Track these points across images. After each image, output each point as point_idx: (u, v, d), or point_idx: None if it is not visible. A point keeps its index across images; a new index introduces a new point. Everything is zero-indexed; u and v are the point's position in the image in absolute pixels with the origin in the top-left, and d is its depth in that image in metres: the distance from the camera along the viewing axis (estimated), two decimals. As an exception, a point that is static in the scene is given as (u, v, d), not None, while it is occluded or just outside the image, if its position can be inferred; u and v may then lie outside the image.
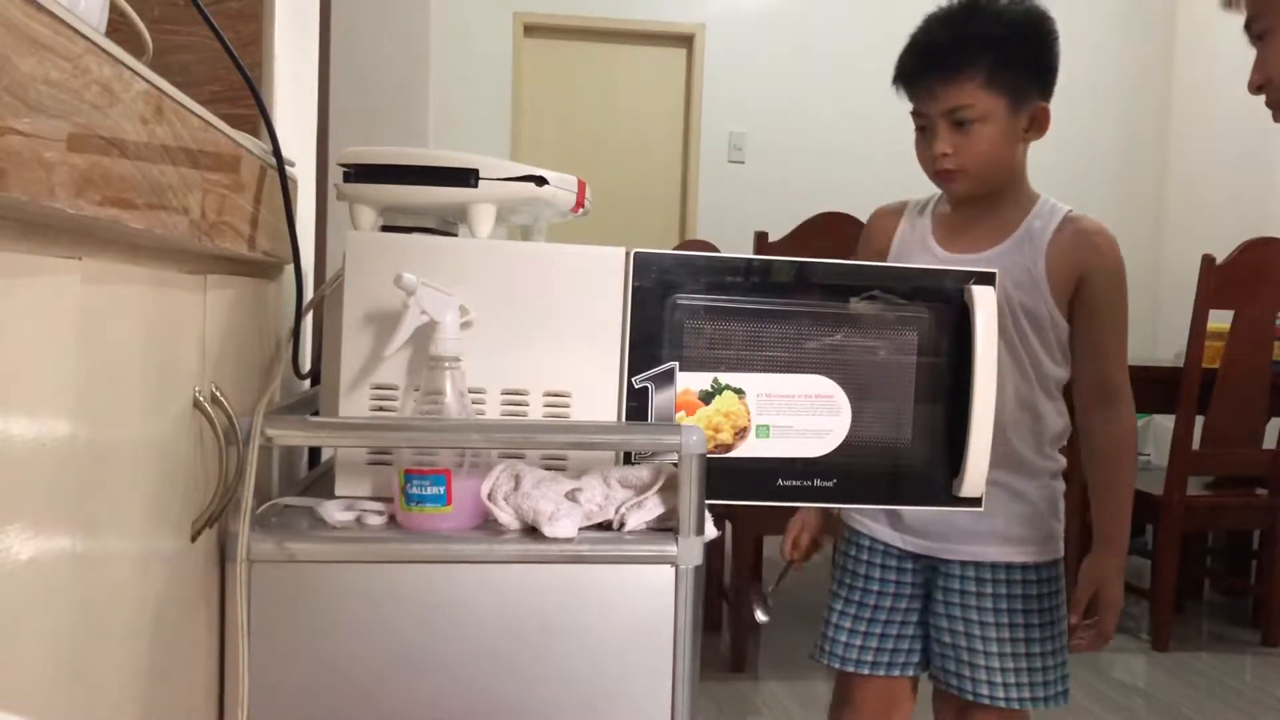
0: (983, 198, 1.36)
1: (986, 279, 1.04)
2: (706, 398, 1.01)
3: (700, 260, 1.01)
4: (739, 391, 1.01)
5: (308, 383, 1.25)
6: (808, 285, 1.02)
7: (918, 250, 1.40)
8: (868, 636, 1.45)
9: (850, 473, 1.04)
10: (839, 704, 1.51)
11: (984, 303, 1.03)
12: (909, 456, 1.05)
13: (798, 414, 1.02)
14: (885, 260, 1.43)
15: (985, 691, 1.38)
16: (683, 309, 1.00)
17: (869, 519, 1.46)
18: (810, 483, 1.03)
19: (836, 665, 1.46)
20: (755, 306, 1.01)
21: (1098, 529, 1.38)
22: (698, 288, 1.00)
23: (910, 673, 1.46)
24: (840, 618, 1.47)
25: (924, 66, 1.32)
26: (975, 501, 1.06)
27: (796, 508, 1.51)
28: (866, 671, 1.45)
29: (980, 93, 1.29)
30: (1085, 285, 1.32)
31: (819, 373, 1.02)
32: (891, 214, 1.47)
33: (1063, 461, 1.40)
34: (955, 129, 1.30)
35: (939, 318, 1.04)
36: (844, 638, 1.46)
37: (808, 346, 1.02)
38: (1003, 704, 1.38)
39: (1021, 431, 1.35)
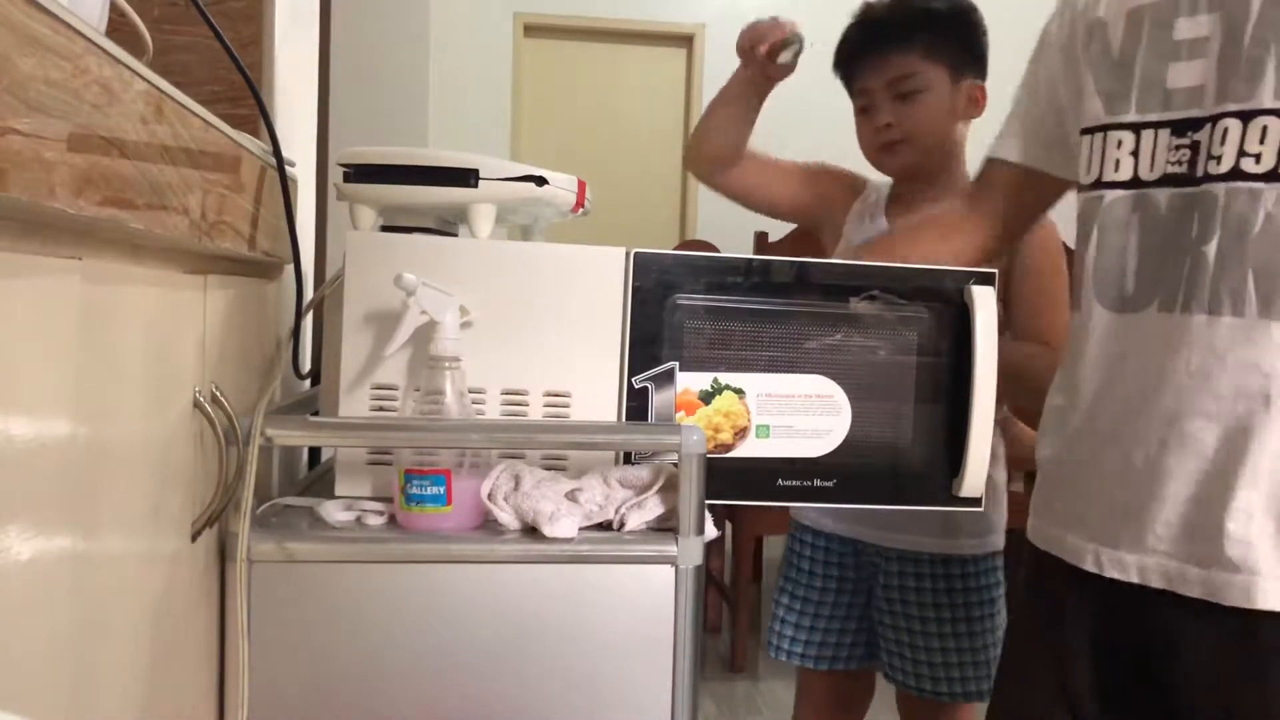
0: (920, 179, 1.38)
1: (986, 279, 1.04)
2: (706, 398, 1.01)
3: (700, 260, 1.01)
4: (739, 391, 1.01)
5: (308, 383, 1.25)
6: (807, 285, 1.02)
7: (866, 226, 1.44)
8: (812, 631, 1.47)
9: (850, 473, 1.04)
10: (798, 698, 1.55)
11: (984, 302, 1.03)
12: (909, 456, 1.05)
13: (798, 414, 1.02)
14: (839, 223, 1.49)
15: (929, 687, 1.39)
16: (683, 309, 1.00)
17: (814, 512, 1.47)
18: (810, 483, 1.03)
19: (784, 659, 1.49)
20: (755, 307, 1.01)
21: None
22: (698, 288, 1.00)
23: (855, 666, 1.47)
24: (786, 612, 1.49)
25: (867, 39, 1.37)
26: (975, 501, 1.06)
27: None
28: (811, 665, 1.47)
29: (922, 62, 1.34)
30: (1013, 263, 1.33)
31: (819, 373, 1.02)
32: (845, 189, 1.53)
33: (1000, 453, 1.40)
34: (898, 101, 1.35)
35: (939, 317, 1.04)
36: (790, 632, 1.48)
37: (808, 346, 1.02)
38: (947, 698, 1.39)
39: None
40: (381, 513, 0.92)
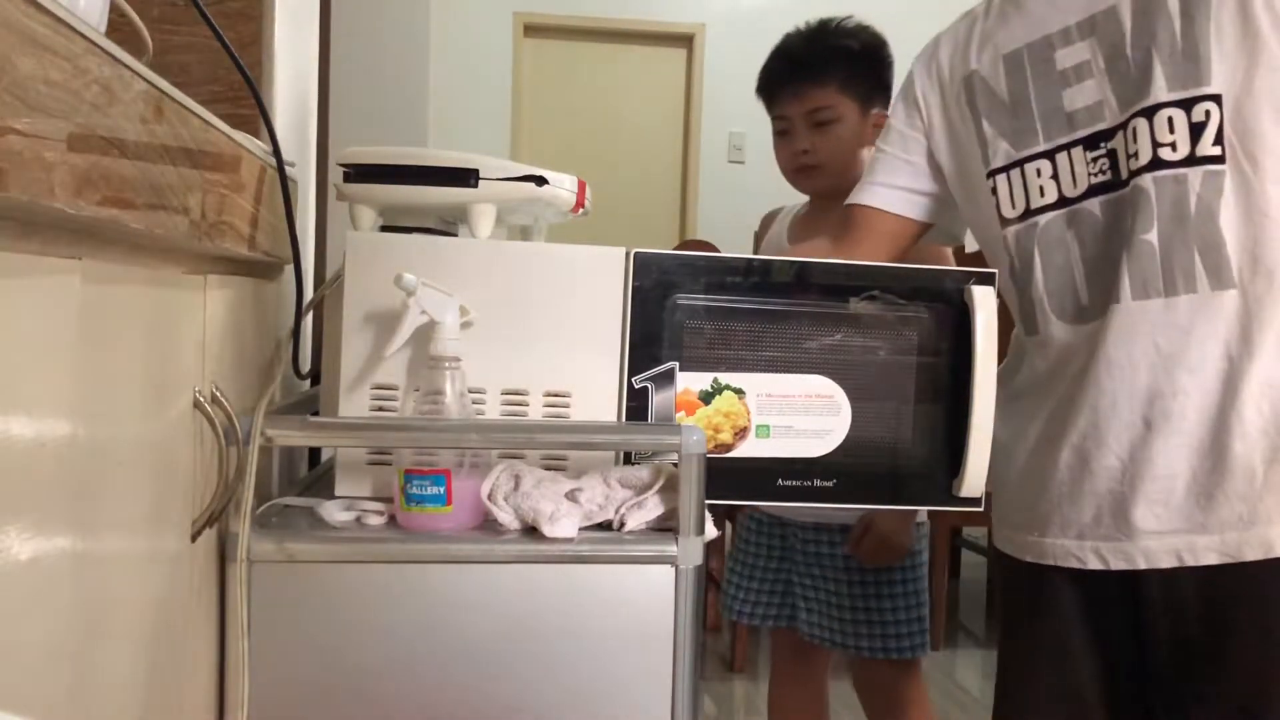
0: (835, 198, 1.42)
1: (986, 279, 1.04)
2: (706, 398, 1.01)
3: (700, 260, 1.01)
4: (739, 391, 1.01)
5: (308, 383, 1.25)
6: (807, 285, 1.02)
7: (773, 251, 1.58)
8: (749, 592, 1.68)
9: (850, 472, 1.04)
10: (771, 652, 1.80)
11: (984, 302, 1.03)
12: (909, 456, 1.05)
13: (798, 414, 1.02)
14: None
15: (840, 640, 1.56)
16: (683, 309, 1.00)
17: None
18: (810, 483, 1.03)
19: (732, 618, 1.72)
20: (755, 306, 1.01)
21: None
22: (698, 288, 1.00)
23: (785, 625, 1.66)
24: (730, 574, 1.72)
25: (790, 72, 1.52)
26: (975, 501, 1.06)
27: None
28: (746, 623, 1.71)
29: (837, 95, 1.49)
30: None
31: (819, 373, 1.02)
32: (769, 220, 1.73)
33: None
34: (814, 129, 1.51)
35: (938, 318, 1.04)
36: (732, 591, 1.71)
37: (808, 346, 1.02)
38: (855, 653, 1.56)
39: None
40: (381, 513, 0.92)
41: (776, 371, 1.02)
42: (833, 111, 1.49)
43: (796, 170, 1.54)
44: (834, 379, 1.02)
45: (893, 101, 1.28)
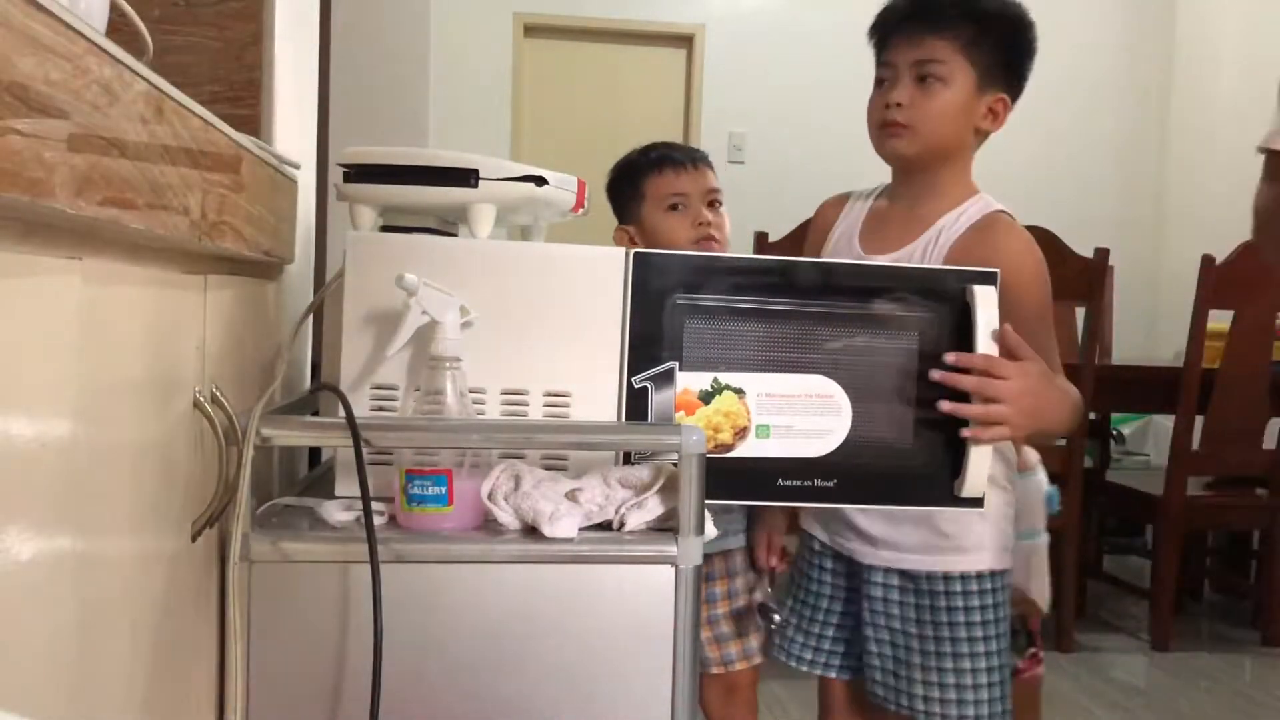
0: (916, 184, 1.30)
1: (988, 279, 1.04)
2: (706, 398, 1.01)
3: (700, 260, 1.01)
4: (739, 391, 1.01)
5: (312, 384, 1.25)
6: (808, 285, 1.02)
7: (843, 250, 1.35)
8: (810, 636, 1.44)
9: (851, 473, 1.03)
10: (819, 704, 1.53)
11: (985, 303, 1.03)
12: (910, 457, 1.05)
13: (798, 414, 1.02)
14: (819, 256, 1.39)
15: (905, 703, 1.32)
16: (682, 309, 1.00)
17: (814, 518, 1.42)
18: (811, 483, 1.03)
19: (781, 658, 1.47)
20: (755, 306, 1.01)
21: None
22: (697, 288, 1.00)
23: (833, 674, 1.42)
24: (790, 613, 1.46)
25: (912, 12, 1.31)
26: (977, 502, 1.06)
27: (801, 516, 1.51)
28: (814, 671, 1.45)
29: (955, 54, 1.27)
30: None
31: (819, 373, 1.02)
32: (834, 206, 1.43)
33: (1011, 465, 1.32)
34: (917, 84, 1.28)
35: (940, 318, 1.04)
36: (791, 632, 1.46)
37: (808, 346, 1.02)
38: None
39: None
40: (382, 513, 0.92)
41: (777, 371, 1.01)
42: (944, 68, 1.26)
43: (882, 126, 1.30)
44: (834, 379, 1.02)
45: None
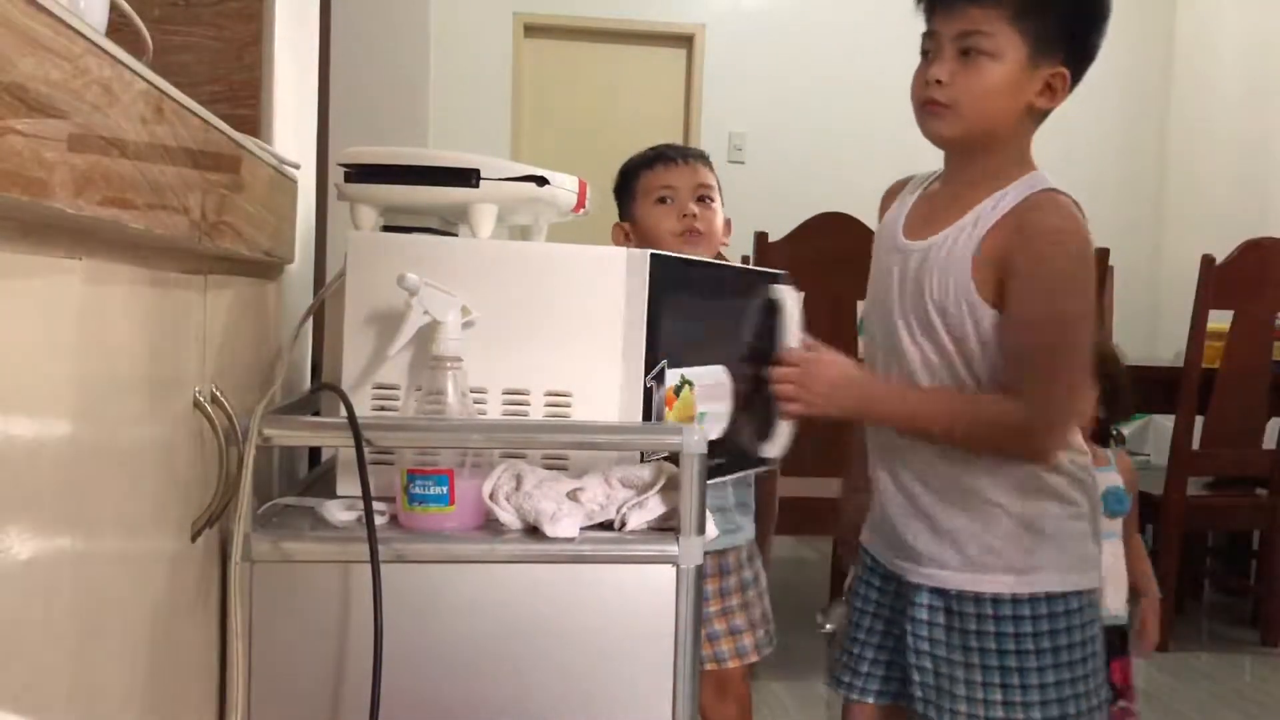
0: (966, 166, 1.18)
1: (788, 279, 1.20)
2: (678, 392, 1.05)
3: (679, 261, 1.08)
4: (691, 385, 1.07)
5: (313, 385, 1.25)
6: (703, 284, 1.14)
7: (887, 238, 1.24)
8: (853, 658, 1.29)
9: (728, 449, 1.14)
10: None
11: (787, 299, 1.18)
12: (749, 429, 1.20)
13: (713, 401, 1.12)
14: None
15: None
16: (668, 308, 1.01)
17: (867, 529, 1.31)
18: (714, 463, 1.05)
19: (839, 690, 1.32)
20: (702, 303, 1.12)
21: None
22: (672, 287, 1.02)
23: (871, 700, 1.28)
24: (846, 637, 1.33)
25: None
26: (774, 461, 1.22)
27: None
28: (842, 692, 1.31)
29: (1003, 25, 1.11)
30: (1007, 271, 1.11)
31: (720, 363, 1.13)
32: (892, 192, 1.31)
33: (1076, 474, 1.17)
34: (960, 58, 1.12)
35: (764, 311, 1.20)
36: (842, 657, 1.32)
37: (715, 341, 1.13)
38: None
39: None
40: (383, 512, 0.92)
41: (705, 364, 1.10)
42: (988, 41, 1.11)
43: (922, 104, 1.16)
44: (726, 367, 1.14)
45: None
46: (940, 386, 1.15)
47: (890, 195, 1.31)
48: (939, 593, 1.18)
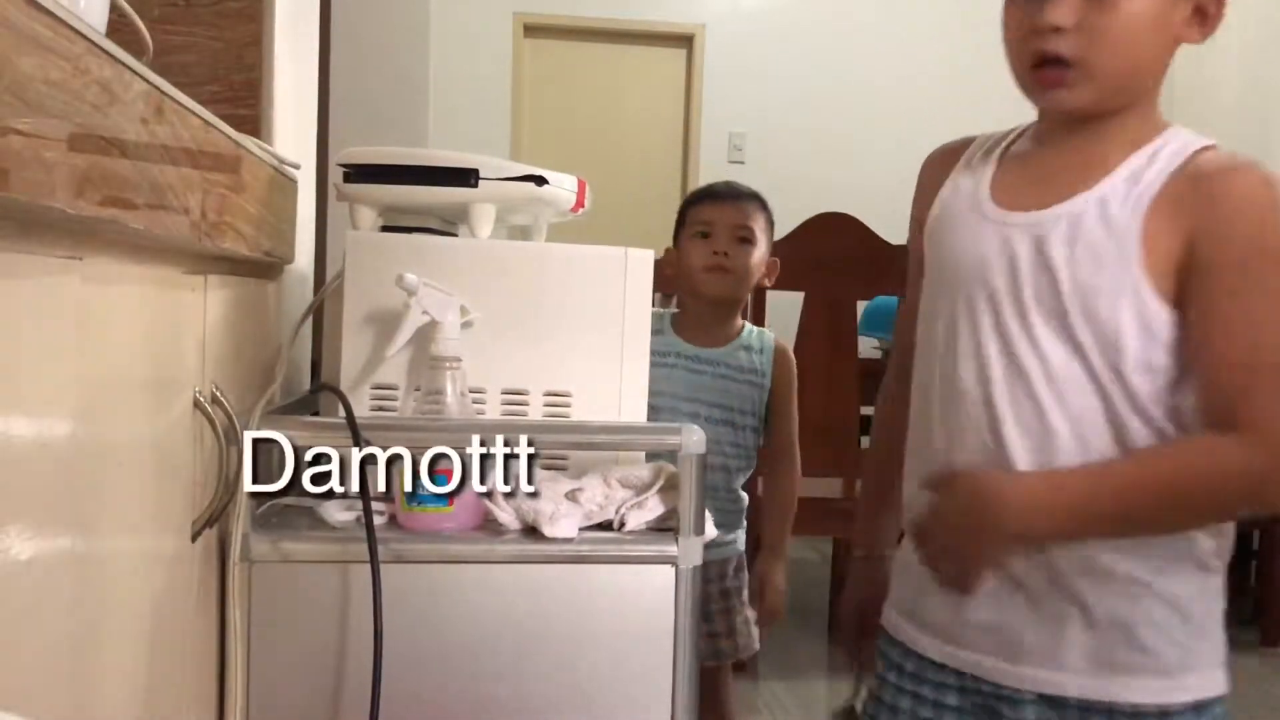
0: (1084, 127, 0.86)
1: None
2: None
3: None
4: None
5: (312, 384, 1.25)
6: None
7: (965, 211, 0.91)
8: None
9: None
10: None
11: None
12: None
13: None
14: (926, 226, 0.95)
15: None
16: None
17: (897, 613, 0.95)
18: None
19: None
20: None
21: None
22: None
23: None
24: None
25: None
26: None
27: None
28: None
29: None
30: (1196, 256, 0.81)
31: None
32: (942, 162, 0.98)
33: (1223, 530, 0.86)
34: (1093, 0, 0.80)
35: None
36: None
37: None
38: None
39: None
40: (382, 513, 0.92)
41: None
42: None
43: (1033, 65, 0.83)
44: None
45: None
46: (1110, 459, 0.82)
47: (933, 167, 0.98)
48: (1052, 703, 0.85)
